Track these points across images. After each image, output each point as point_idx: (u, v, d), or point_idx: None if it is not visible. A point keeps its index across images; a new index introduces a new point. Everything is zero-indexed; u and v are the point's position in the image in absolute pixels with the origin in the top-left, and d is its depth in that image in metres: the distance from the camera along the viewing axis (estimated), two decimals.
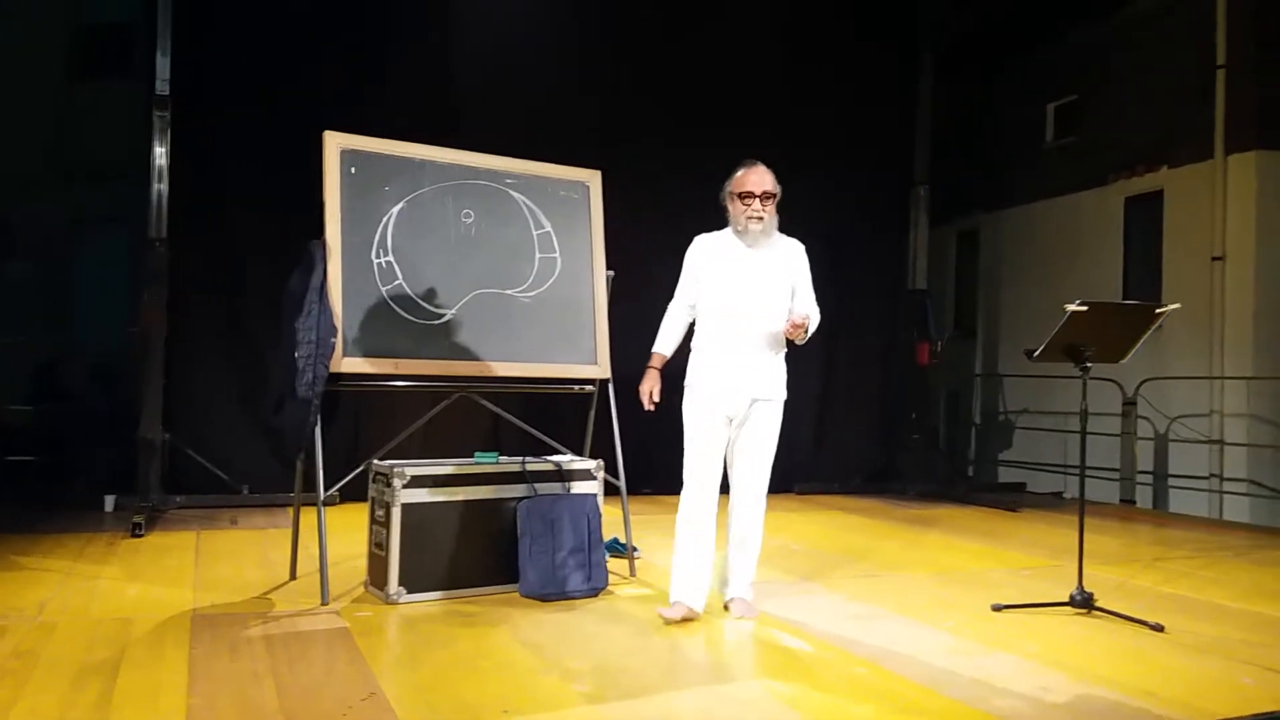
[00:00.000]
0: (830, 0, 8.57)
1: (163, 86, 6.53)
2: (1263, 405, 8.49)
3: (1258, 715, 2.98)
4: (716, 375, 3.84)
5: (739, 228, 3.89)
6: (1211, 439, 8.64)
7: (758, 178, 3.88)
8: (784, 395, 3.95)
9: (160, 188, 6.54)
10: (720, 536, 3.98)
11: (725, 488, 3.95)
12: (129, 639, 3.46)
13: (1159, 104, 9.41)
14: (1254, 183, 8.58)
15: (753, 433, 3.89)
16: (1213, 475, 8.57)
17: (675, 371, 4.00)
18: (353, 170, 4.35)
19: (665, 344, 4.03)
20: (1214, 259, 8.77)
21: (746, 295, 3.85)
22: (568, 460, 4.59)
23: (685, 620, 3.84)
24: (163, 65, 6.53)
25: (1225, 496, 8.46)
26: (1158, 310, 4.21)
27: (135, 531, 5.51)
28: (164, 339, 6.52)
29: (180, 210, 6.60)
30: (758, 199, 3.84)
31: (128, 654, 3.28)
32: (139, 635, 3.51)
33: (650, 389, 3.96)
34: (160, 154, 6.54)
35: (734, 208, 3.90)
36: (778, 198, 3.90)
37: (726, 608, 4.02)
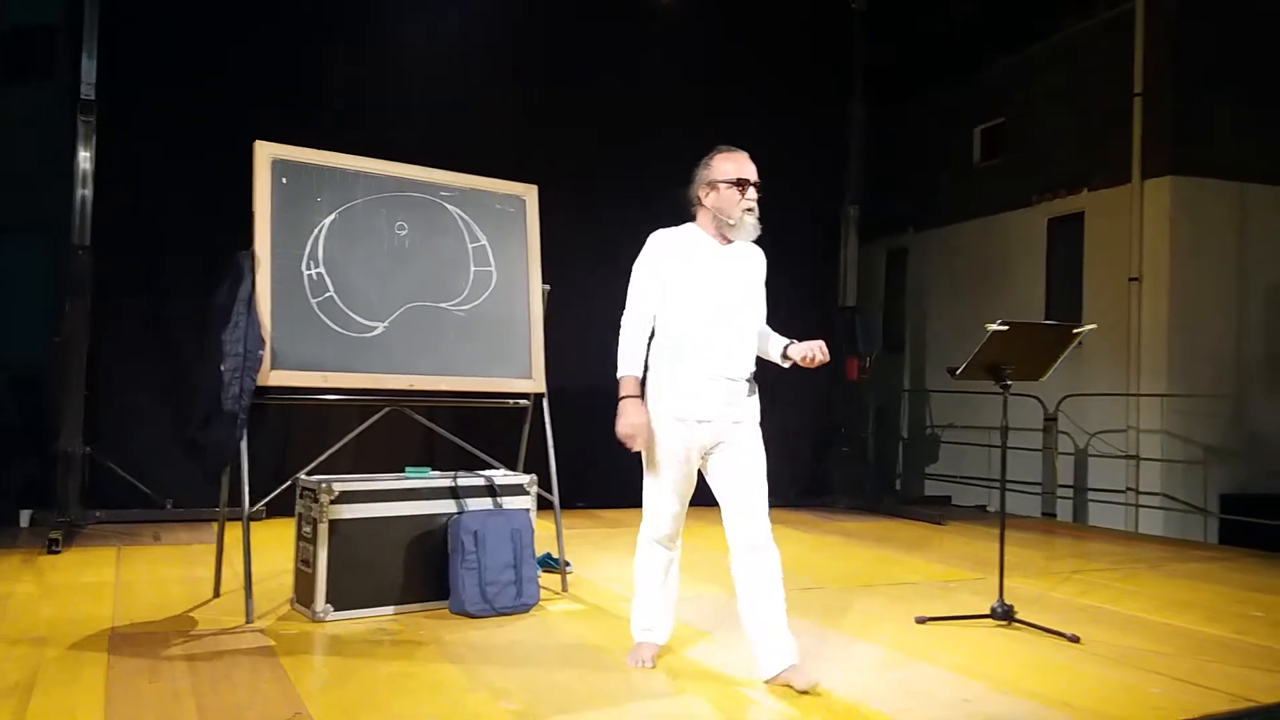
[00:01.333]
0: (764, 24, 8.69)
1: (88, 91, 6.39)
2: (1176, 422, 8.80)
3: None
4: (693, 399, 3.28)
5: (730, 220, 3.33)
6: (1128, 454, 8.92)
7: (749, 164, 3.37)
8: (758, 415, 3.43)
9: (84, 193, 6.41)
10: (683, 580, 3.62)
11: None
12: (43, 660, 3.36)
13: (1080, 129, 9.74)
14: (1168, 207, 8.91)
15: (739, 460, 3.32)
16: (1129, 489, 8.85)
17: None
18: (284, 181, 4.30)
19: (636, 364, 3.33)
20: (1131, 279, 9.08)
21: (726, 301, 3.34)
22: (500, 475, 4.58)
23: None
24: (88, 69, 6.39)
25: (1141, 510, 8.74)
26: (1075, 331, 4.35)
27: (52, 548, 5.35)
28: (86, 349, 6.36)
29: (105, 217, 6.46)
30: (753, 187, 3.34)
31: (41, 675, 3.18)
32: (54, 656, 3.41)
33: (641, 424, 3.27)
34: (84, 159, 6.40)
35: (720, 198, 3.34)
36: None
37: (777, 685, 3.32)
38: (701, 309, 3.31)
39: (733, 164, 3.35)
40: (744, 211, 3.32)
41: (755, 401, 3.42)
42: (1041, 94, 10.21)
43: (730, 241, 3.40)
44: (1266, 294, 9.15)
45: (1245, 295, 9.11)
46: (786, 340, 3.47)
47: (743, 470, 3.33)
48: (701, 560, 4.09)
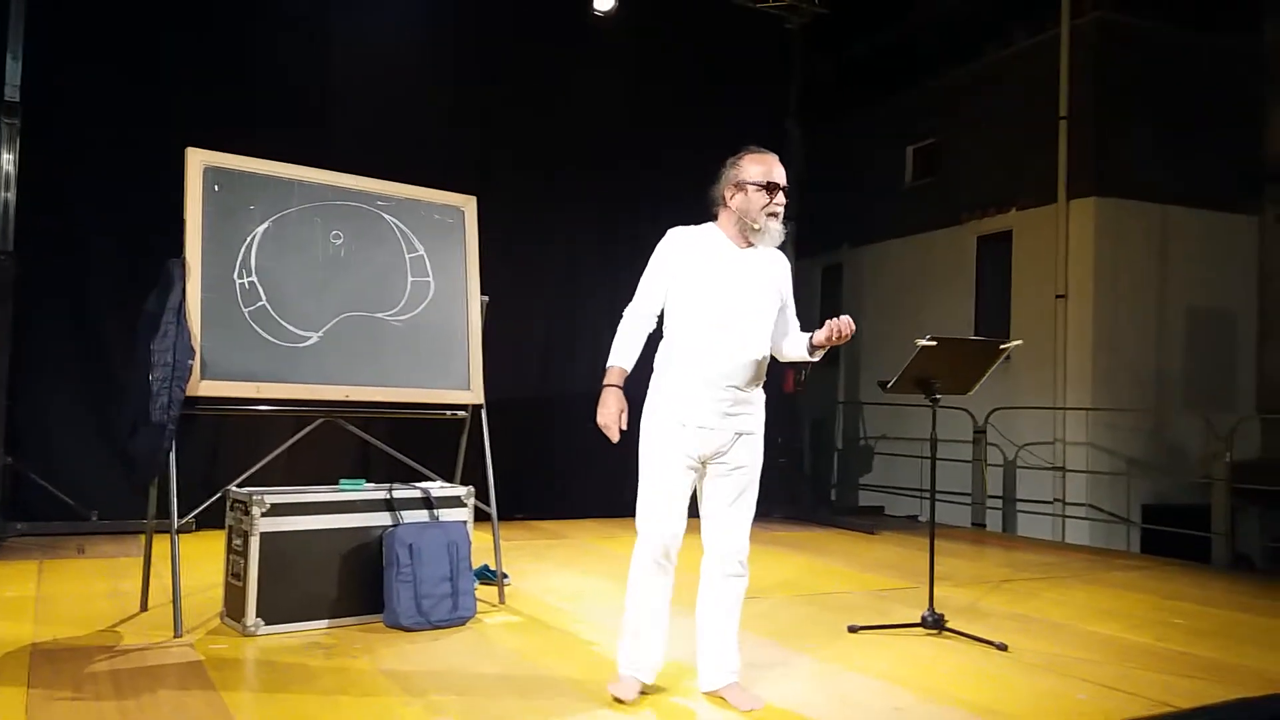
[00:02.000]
0: (700, 40, 8.76)
1: (13, 93, 6.23)
2: (1100, 435, 9.07)
3: None
4: (695, 405, 3.15)
5: (755, 225, 3.21)
6: (1055, 466, 9.16)
7: (778, 167, 3.25)
8: (763, 428, 3.31)
9: (7, 196, 6.23)
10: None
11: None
12: None
13: (1008, 150, 10.02)
14: (1092, 226, 9.20)
15: (735, 478, 3.22)
16: (1056, 500, 9.08)
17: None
18: (216, 188, 4.23)
19: (627, 356, 3.22)
20: (1057, 297, 9.34)
21: (736, 306, 3.20)
22: (436, 487, 4.55)
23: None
24: (13, 71, 6.23)
25: (1067, 520, 8.97)
26: (1001, 346, 4.46)
27: None
28: (8, 357, 6.17)
29: (29, 221, 6.28)
30: (781, 191, 3.24)
31: None
32: None
33: (618, 413, 3.14)
34: (8, 161, 6.23)
35: (747, 200, 3.22)
36: None
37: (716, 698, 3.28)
38: (708, 312, 3.18)
39: (762, 166, 3.24)
40: (769, 216, 3.21)
41: (761, 412, 3.30)
42: (971, 116, 10.49)
43: (751, 245, 3.28)
44: (1186, 314, 9.49)
45: (1165, 314, 9.44)
46: (809, 334, 3.33)
47: (735, 489, 3.23)
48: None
